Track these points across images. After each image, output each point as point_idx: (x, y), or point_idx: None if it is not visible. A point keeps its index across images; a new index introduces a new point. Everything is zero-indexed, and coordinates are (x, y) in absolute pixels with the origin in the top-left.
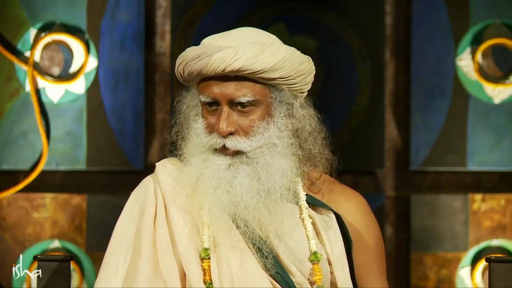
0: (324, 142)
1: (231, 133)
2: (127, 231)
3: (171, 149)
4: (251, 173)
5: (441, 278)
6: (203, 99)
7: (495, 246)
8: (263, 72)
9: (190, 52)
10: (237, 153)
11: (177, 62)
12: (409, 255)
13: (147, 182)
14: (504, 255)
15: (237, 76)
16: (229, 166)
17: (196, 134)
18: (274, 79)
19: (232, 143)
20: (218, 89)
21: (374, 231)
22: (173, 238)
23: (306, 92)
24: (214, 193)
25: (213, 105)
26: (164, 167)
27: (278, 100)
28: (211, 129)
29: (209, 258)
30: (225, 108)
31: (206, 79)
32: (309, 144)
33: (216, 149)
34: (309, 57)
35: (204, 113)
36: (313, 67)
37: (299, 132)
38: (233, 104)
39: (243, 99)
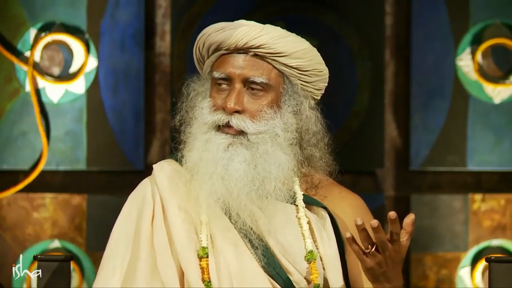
0: (326, 147)
1: (237, 112)
2: (124, 233)
3: (175, 135)
4: (249, 159)
5: (441, 278)
6: (216, 75)
7: (495, 246)
8: (283, 56)
9: (215, 25)
10: (239, 133)
11: (199, 36)
12: (409, 255)
13: (144, 185)
14: (504, 255)
15: (255, 56)
16: (228, 146)
17: (201, 113)
18: (291, 67)
19: (237, 121)
20: (234, 66)
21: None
22: (171, 239)
23: (317, 99)
24: (210, 180)
25: (225, 83)
26: (162, 169)
27: (289, 94)
28: (217, 108)
29: (207, 257)
30: (237, 86)
31: (223, 55)
32: (311, 146)
33: (219, 126)
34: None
35: (213, 92)
36: (328, 78)
37: (303, 132)
38: (246, 83)
39: (258, 79)
